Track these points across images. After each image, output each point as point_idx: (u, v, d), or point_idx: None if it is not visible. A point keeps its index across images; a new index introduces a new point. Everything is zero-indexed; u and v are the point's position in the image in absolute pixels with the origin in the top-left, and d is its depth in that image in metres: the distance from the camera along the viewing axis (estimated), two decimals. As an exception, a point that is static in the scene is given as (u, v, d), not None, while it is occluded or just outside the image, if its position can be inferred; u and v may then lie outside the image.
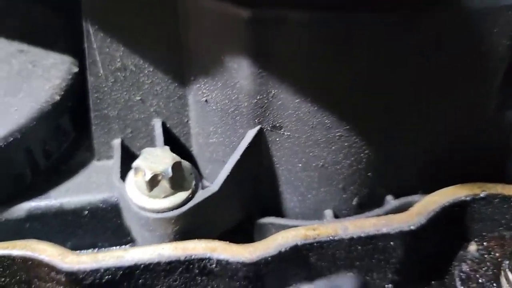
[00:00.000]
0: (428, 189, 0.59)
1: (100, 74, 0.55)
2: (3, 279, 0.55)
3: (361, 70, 0.49)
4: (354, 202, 0.62)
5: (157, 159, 0.53)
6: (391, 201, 0.62)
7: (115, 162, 0.59)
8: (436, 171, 0.61)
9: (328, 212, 0.62)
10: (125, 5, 0.50)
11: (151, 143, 0.59)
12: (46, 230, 0.59)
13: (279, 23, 0.47)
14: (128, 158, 0.60)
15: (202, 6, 0.49)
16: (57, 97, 0.58)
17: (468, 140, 0.58)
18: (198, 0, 0.49)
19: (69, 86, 0.59)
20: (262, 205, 0.63)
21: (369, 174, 0.59)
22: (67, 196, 0.59)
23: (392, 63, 0.50)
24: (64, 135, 0.62)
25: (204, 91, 0.54)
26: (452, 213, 0.56)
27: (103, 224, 0.61)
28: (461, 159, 0.59)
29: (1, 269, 0.54)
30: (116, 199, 0.59)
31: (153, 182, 0.52)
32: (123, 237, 0.62)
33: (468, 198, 0.56)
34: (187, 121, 0.60)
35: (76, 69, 0.61)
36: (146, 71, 0.55)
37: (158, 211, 0.53)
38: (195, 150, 0.62)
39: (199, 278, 0.54)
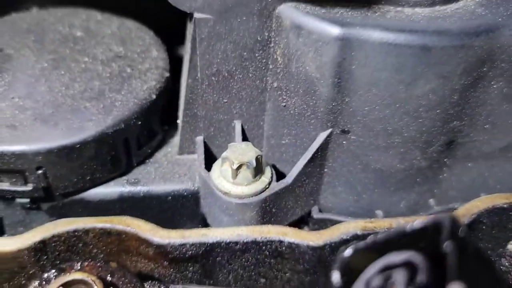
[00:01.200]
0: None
1: (197, 77, 0.61)
2: (95, 250, 0.60)
3: (424, 93, 0.56)
4: (402, 205, 0.68)
5: (242, 151, 0.60)
6: (435, 207, 0.68)
7: (199, 155, 0.65)
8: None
9: (379, 213, 0.68)
10: (230, 21, 0.57)
11: (229, 142, 0.65)
12: (131, 212, 0.64)
13: (363, 41, 0.53)
14: (206, 154, 0.67)
15: (294, 24, 0.55)
16: (154, 96, 0.65)
17: None
18: (291, 18, 0.56)
19: (162, 88, 0.67)
20: (321, 201, 0.69)
21: (418, 179, 0.66)
22: (154, 183, 0.66)
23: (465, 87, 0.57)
24: (154, 130, 0.69)
25: (284, 97, 0.61)
26: (490, 217, 0.62)
27: (181, 210, 0.68)
28: None
29: (96, 241, 0.59)
30: (196, 188, 0.66)
31: (238, 171, 0.60)
32: (196, 223, 0.69)
33: (505, 205, 0.62)
34: (262, 124, 0.66)
35: (167, 74, 0.68)
36: (236, 78, 0.61)
37: (241, 197, 0.60)
38: (265, 151, 0.68)
39: (268, 260, 0.60)
